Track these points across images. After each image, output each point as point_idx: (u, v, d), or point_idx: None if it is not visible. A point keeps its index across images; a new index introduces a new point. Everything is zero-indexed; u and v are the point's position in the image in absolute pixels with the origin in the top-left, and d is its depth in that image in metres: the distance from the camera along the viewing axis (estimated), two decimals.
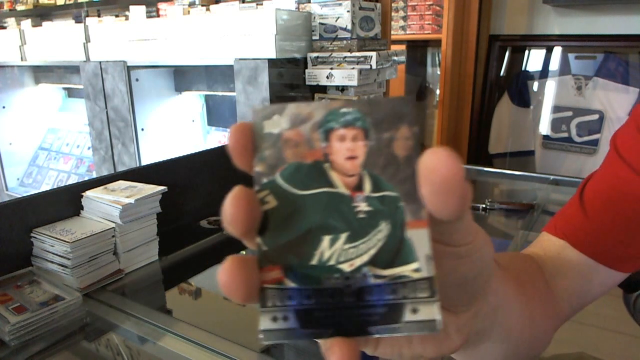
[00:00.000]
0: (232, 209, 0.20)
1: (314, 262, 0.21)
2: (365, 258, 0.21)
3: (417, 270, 0.21)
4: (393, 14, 2.66)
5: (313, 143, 0.22)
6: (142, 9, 2.04)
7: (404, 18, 2.70)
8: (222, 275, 0.20)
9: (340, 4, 1.52)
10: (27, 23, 2.79)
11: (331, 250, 0.21)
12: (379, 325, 0.21)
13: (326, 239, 0.21)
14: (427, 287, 0.21)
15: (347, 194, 0.22)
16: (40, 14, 3.41)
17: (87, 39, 2.05)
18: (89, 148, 2.49)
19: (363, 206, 0.22)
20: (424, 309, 0.21)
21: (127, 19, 2.21)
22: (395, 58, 1.67)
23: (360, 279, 0.21)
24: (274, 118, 0.22)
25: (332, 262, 0.21)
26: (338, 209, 0.22)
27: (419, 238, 0.21)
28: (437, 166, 0.19)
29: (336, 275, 0.21)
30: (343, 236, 0.21)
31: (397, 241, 0.21)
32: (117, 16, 2.44)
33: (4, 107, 2.66)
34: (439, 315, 0.21)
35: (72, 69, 2.33)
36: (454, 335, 0.27)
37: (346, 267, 0.21)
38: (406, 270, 0.21)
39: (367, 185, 0.22)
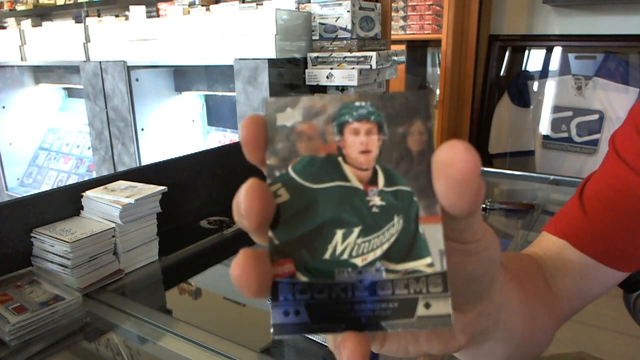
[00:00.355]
0: (247, 201, 0.20)
1: (327, 256, 0.21)
2: (378, 252, 0.21)
3: (430, 265, 0.21)
4: (393, 14, 2.66)
5: (326, 136, 0.22)
6: (142, 9, 2.04)
7: (404, 18, 2.70)
8: (235, 269, 0.20)
9: (340, 4, 1.52)
10: (27, 23, 2.79)
11: (344, 244, 0.21)
12: (392, 320, 0.21)
13: (339, 233, 0.21)
14: (440, 282, 0.21)
15: (361, 188, 0.22)
16: (40, 14, 3.41)
17: (87, 39, 2.05)
18: (89, 148, 2.49)
19: (376, 200, 0.21)
20: (436, 304, 0.21)
21: (127, 19, 2.21)
22: (395, 58, 1.67)
23: (373, 274, 0.21)
24: (287, 111, 0.22)
25: (345, 257, 0.21)
26: (351, 203, 0.21)
27: (432, 233, 0.21)
28: (454, 160, 0.19)
29: (349, 269, 0.21)
30: (356, 230, 0.21)
31: (410, 236, 0.21)
32: (117, 16, 2.45)
33: (4, 107, 2.66)
34: (451, 310, 0.21)
35: (72, 69, 2.33)
36: (459, 334, 0.27)
37: (359, 262, 0.21)
38: (419, 265, 0.21)
39: (381, 180, 0.22)
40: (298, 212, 0.21)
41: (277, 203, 0.21)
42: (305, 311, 0.21)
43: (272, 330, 0.21)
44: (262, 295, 0.21)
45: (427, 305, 0.21)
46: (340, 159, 0.22)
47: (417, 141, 0.21)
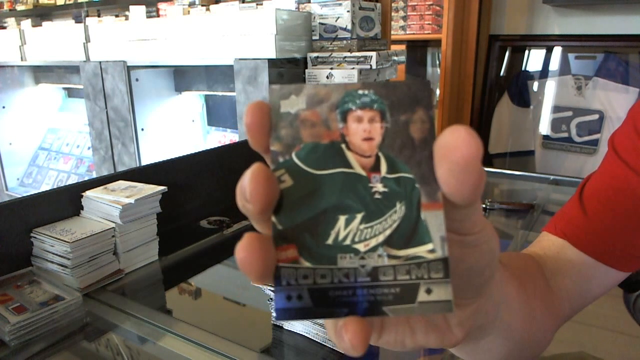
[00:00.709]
0: (252, 185, 0.20)
1: (330, 241, 0.21)
2: (380, 238, 0.22)
3: (432, 251, 0.21)
4: (393, 14, 2.66)
5: (330, 123, 0.22)
6: (142, 9, 2.04)
7: (404, 18, 2.70)
8: (240, 252, 0.20)
9: (340, 4, 1.52)
10: (27, 23, 2.79)
11: (347, 230, 0.22)
12: (394, 305, 0.21)
13: (342, 219, 0.22)
14: (442, 268, 0.21)
15: (364, 174, 0.22)
16: (40, 14, 3.41)
17: (87, 39, 2.05)
18: (89, 148, 2.49)
19: (379, 187, 0.22)
20: (438, 290, 0.21)
21: (127, 19, 2.21)
22: (395, 58, 1.67)
23: (375, 259, 0.22)
24: (291, 98, 0.22)
25: (347, 242, 0.22)
26: (354, 190, 0.22)
27: (434, 219, 0.21)
28: (457, 145, 0.19)
29: (351, 255, 0.21)
30: (359, 216, 0.22)
31: (412, 222, 0.22)
32: (117, 16, 2.45)
33: (4, 107, 2.66)
34: (452, 296, 0.21)
35: (72, 69, 2.33)
36: (456, 329, 0.27)
37: (361, 247, 0.22)
38: (421, 250, 0.21)
39: (383, 167, 0.22)
40: (301, 198, 0.21)
41: (280, 189, 0.21)
42: (308, 296, 0.21)
43: (274, 314, 0.21)
44: (265, 280, 0.21)
45: (429, 291, 0.21)
46: (343, 146, 0.22)
47: (419, 129, 0.22)
